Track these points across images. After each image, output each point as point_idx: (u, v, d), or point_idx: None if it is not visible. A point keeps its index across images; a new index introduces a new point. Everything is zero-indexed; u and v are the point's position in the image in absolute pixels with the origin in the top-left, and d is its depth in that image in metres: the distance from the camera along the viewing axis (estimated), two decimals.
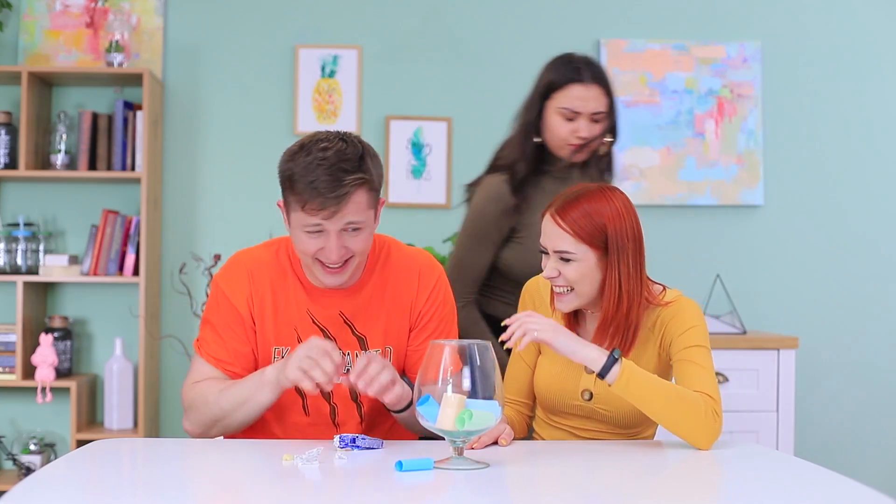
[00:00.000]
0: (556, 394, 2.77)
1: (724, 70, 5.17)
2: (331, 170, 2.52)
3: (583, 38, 5.17)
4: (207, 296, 2.83)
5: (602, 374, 2.53)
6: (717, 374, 4.51)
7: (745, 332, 4.70)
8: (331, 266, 2.63)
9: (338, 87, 5.12)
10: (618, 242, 2.61)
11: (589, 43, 5.17)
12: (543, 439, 2.84)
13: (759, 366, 4.55)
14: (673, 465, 2.48)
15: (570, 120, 3.30)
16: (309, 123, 5.08)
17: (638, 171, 5.10)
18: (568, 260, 2.63)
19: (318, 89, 5.11)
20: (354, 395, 2.77)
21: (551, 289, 2.72)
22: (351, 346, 2.76)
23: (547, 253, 2.67)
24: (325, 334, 2.74)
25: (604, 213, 2.61)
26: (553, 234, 2.64)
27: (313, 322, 2.75)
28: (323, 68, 5.11)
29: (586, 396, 2.73)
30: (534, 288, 2.88)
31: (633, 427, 2.76)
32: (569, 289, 2.66)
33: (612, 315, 2.65)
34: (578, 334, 2.71)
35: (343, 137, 2.59)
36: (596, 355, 2.54)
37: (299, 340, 2.72)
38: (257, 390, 2.61)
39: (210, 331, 2.76)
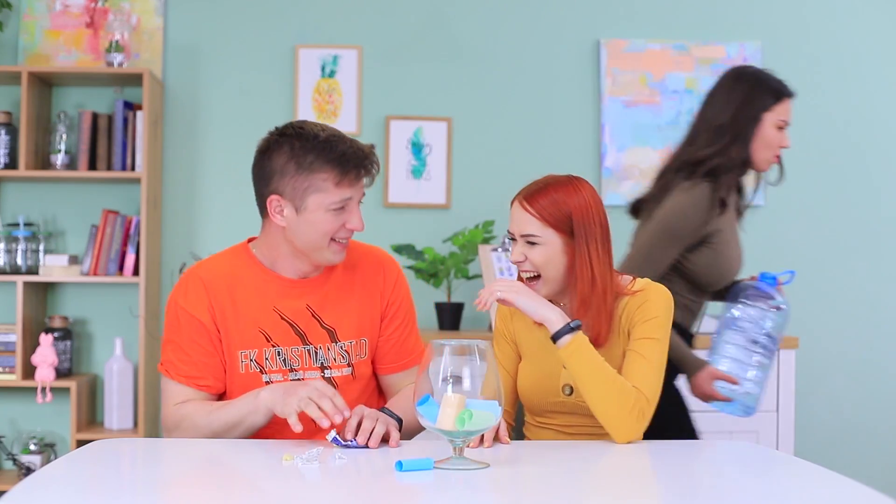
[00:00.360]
0: (538, 393, 2.79)
1: (724, 70, 5.11)
2: (347, 140, 2.65)
3: (583, 38, 5.18)
4: (165, 316, 2.82)
5: (555, 339, 2.60)
6: None
7: None
8: (343, 242, 2.70)
9: (338, 87, 5.12)
10: (585, 227, 2.66)
11: (589, 43, 5.17)
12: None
13: None
14: (673, 465, 2.48)
15: (781, 130, 3.45)
16: None
17: (638, 172, 5.10)
18: (534, 244, 2.68)
19: (318, 89, 5.10)
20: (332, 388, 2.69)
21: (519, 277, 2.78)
22: (321, 340, 2.76)
23: (514, 239, 2.73)
24: (294, 329, 2.73)
25: (570, 201, 2.67)
26: (520, 219, 2.70)
27: (281, 318, 2.73)
28: (323, 68, 5.11)
29: (567, 391, 2.75)
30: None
31: None
32: (535, 275, 2.71)
33: (588, 297, 2.68)
34: None
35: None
36: (554, 318, 2.61)
37: (267, 340, 2.71)
38: (250, 414, 2.59)
39: (173, 350, 2.74)
